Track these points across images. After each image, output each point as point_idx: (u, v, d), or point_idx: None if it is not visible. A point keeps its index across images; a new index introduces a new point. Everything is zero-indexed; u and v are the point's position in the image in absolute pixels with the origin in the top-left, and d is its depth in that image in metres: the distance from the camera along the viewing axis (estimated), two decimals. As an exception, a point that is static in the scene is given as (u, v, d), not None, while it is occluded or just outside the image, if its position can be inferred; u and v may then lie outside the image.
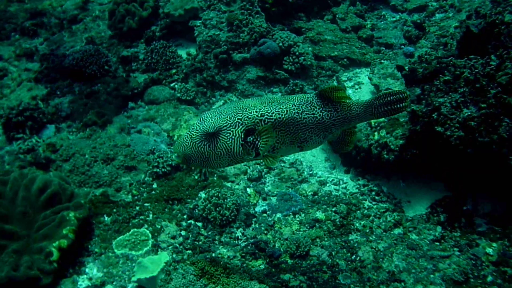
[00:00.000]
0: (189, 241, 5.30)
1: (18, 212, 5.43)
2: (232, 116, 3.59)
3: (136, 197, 5.74)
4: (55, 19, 8.63)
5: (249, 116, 3.61)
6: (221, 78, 6.96)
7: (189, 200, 5.68)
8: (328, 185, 5.88)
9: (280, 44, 6.86)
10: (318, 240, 5.27)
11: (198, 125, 3.57)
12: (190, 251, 5.21)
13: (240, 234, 5.38)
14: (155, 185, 5.86)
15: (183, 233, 5.40)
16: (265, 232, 5.39)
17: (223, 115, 3.59)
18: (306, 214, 5.52)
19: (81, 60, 7.15)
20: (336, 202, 5.60)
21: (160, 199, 5.67)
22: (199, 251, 5.21)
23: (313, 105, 3.81)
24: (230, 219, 5.42)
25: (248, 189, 5.80)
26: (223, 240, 5.32)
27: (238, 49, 7.04)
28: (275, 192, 5.78)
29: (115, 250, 5.29)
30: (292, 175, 5.95)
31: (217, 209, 5.40)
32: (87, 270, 5.14)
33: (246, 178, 5.94)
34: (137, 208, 5.62)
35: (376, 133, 5.78)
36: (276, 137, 3.73)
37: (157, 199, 5.66)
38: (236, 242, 5.30)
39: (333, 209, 5.53)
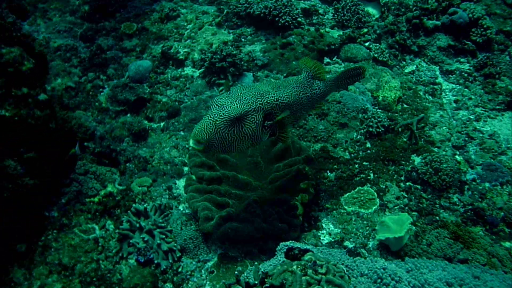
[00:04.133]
0: (412, 202, 5.38)
1: (248, 162, 5.36)
2: (253, 101, 3.78)
3: (353, 155, 5.75)
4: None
5: (268, 101, 3.88)
6: (412, 43, 6.93)
7: (403, 162, 5.73)
8: (526, 159, 6.04)
9: (470, 15, 6.86)
10: (529, 212, 5.44)
11: (220, 111, 3.62)
12: (416, 213, 5.29)
13: (457, 199, 5.50)
14: (368, 145, 5.88)
15: (404, 194, 5.47)
16: (480, 199, 5.52)
17: (244, 100, 3.72)
18: (513, 186, 5.68)
19: (274, 9, 6.93)
20: (540, 176, 5.77)
21: (377, 159, 5.70)
22: (425, 214, 5.30)
23: (304, 85, 4.26)
24: (448, 185, 5.52)
25: (456, 157, 5.90)
26: (442, 204, 5.43)
27: (427, 15, 7.00)
28: (480, 162, 5.89)
29: (345, 207, 5.33)
30: (493, 146, 6.07)
31: (439, 174, 5.48)
32: (323, 225, 5.17)
33: (451, 145, 6.02)
34: (356, 166, 5.64)
35: None
36: None
37: (375, 159, 5.69)
38: (454, 207, 5.42)
39: (538, 183, 5.71)
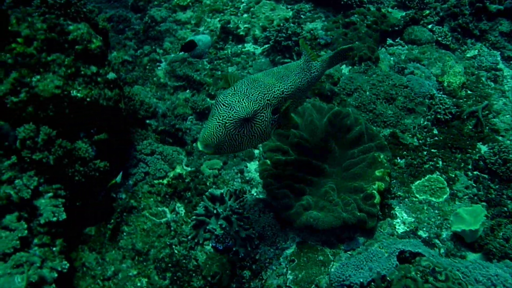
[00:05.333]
0: (481, 192, 5.33)
1: (321, 148, 5.20)
2: (261, 98, 3.63)
3: (421, 142, 5.64)
4: None
5: (275, 96, 3.73)
6: (474, 27, 6.76)
7: (470, 150, 5.66)
8: None
9: (534, 0, 6.73)
10: None
11: (229, 112, 3.45)
12: (485, 203, 5.24)
13: (523, 191, 5.47)
14: (435, 131, 5.77)
15: (473, 183, 5.41)
16: (545, 192, 5.50)
17: (251, 97, 3.57)
18: None
19: (338, -15, 6.67)
20: None
21: (445, 147, 5.61)
22: (493, 204, 5.26)
23: (304, 70, 4.17)
24: (514, 176, 5.48)
25: (519, 147, 5.84)
26: (510, 195, 5.39)
27: (489, -2, 6.85)
28: (540, 153, 5.85)
29: (417, 195, 5.25)
30: (547, 137, 6.03)
31: (507, 164, 5.43)
32: (397, 213, 5.09)
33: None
34: (425, 153, 5.54)
35: None
36: None
37: (443, 146, 5.60)
38: (521, 199, 5.39)
39: None
